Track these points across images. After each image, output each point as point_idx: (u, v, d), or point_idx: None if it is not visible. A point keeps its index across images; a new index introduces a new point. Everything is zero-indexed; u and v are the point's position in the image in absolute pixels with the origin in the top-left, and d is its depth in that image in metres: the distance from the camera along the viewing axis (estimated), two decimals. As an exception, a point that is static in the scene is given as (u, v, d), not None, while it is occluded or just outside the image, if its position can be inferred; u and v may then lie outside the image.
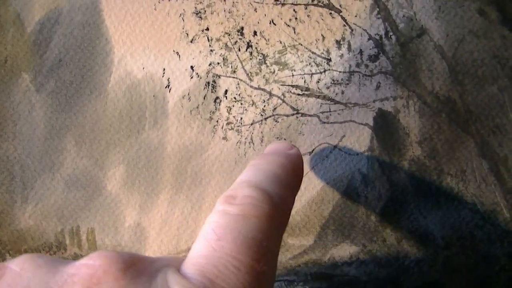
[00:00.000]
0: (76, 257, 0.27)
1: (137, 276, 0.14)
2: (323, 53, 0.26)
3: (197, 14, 0.26)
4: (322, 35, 0.26)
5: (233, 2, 0.26)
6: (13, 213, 0.26)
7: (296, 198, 0.26)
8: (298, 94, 0.26)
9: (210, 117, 0.26)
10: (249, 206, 0.16)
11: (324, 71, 0.26)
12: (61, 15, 0.26)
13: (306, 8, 0.26)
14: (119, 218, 0.26)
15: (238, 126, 0.26)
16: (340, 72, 0.26)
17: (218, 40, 0.26)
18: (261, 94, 0.26)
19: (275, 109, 0.26)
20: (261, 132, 0.26)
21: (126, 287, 0.14)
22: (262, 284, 0.15)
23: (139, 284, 0.14)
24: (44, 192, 0.26)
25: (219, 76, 0.26)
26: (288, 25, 0.26)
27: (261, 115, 0.26)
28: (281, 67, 0.26)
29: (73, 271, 0.14)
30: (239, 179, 0.18)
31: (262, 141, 0.26)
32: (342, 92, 0.26)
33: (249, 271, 0.14)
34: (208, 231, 0.15)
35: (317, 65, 0.26)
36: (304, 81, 0.26)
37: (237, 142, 0.26)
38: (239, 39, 0.26)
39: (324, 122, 0.26)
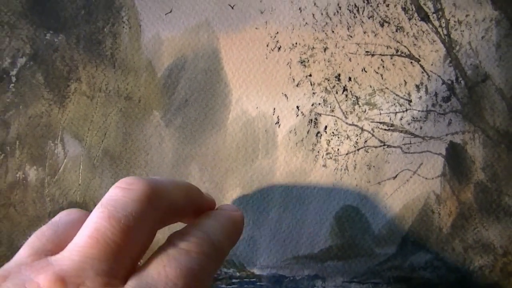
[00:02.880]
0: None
1: None
2: (405, 95, 0.31)
3: (301, 62, 0.31)
4: (404, 80, 0.31)
5: (332, 53, 0.31)
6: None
7: (381, 215, 0.32)
8: (385, 129, 0.31)
9: (312, 148, 0.31)
10: (194, 244, 0.20)
11: (406, 110, 0.31)
12: (187, 62, 0.31)
13: (391, 58, 0.31)
14: (235, 232, 0.32)
15: (336, 155, 0.31)
16: (419, 111, 0.31)
17: (319, 84, 0.31)
18: (355, 129, 0.31)
19: (366, 141, 0.31)
20: (354, 161, 0.31)
21: None
22: None
23: None
24: (174, 210, 0.31)
25: (320, 114, 0.31)
26: (377, 72, 0.31)
27: (354, 146, 0.31)
28: (371, 107, 0.31)
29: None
30: (193, 225, 0.22)
31: (355, 168, 0.31)
32: (421, 128, 0.31)
33: None
34: (159, 258, 0.19)
35: (400, 105, 0.31)
36: (390, 119, 0.31)
37: (335, 169, 0.31)
38: (337, 83, 0.31)
39: (406, 152, 0.31)
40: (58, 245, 0.20)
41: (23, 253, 0.20)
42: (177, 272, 0.19)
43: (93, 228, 0.19)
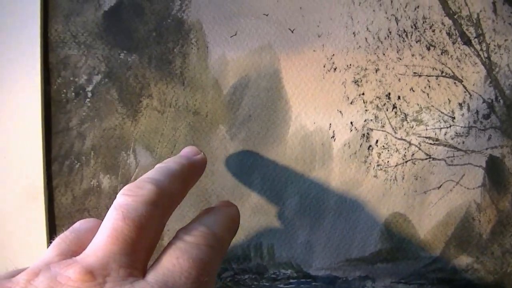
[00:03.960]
0: (258, 267, 0.35)
1: None
2: (449, 113, 0.34)
3: (355, 82, 0.34)
4: (448, 99, 0.34)
5: (383, 74, 0.34)
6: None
7: (427, 221, 0.35)
8: (430, 144, 0.34)
9: (364, 160, 0.34)
10: (201, 238, 0.23)
11: (450, 126, 0.34)
12: (250, 81, 0.34)
13: (437, 79, 0.34)
14: (293, 236, 0.35)
15: (386, 167, 0.34)
16: (461, 127, 0.34)
17: (371, 102, 0.34)
18: (403, 143, 0.34)
19: (413, 154, 0.34)
20: (403, 172, 0.34)
21: None
22: None
23: None
24: (238, 216, 0.34)
25: (372, 130, 0.34)
26: (423, 92, 0.34)
27: (403, 159, 0.34)
28: (418, 123, 0.34)
29: (64, 281, 0.19)
30: (197, 221, 0.25)
31: (403, 179, 0.34)
32: (463, 142, 0.34)
33: (195, 281, 0.21)
34: (171, 251, 0.22)
35: (445, 122, 0.34)
36: (435, 134, 0.34)
37: (385, 179, 0.34)
38: (387, 101, 0.34)
39: (449, 165, 0.34)
40: (80, 246, 0.23)
41: (50, 253, 0.22)
42: (190, 263, 0.21)
43: (111, 228, 0.21)
